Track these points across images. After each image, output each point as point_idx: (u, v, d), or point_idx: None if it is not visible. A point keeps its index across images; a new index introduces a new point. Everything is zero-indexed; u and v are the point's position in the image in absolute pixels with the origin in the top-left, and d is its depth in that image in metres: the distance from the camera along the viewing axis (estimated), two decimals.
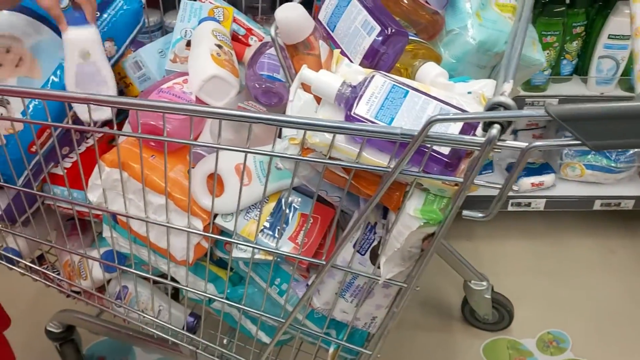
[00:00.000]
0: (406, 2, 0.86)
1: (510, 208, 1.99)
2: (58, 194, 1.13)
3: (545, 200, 1.98)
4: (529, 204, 1.98)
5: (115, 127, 0.90)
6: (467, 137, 0.63)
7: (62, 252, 1.32)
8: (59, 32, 1.17)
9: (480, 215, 0.68)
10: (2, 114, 1.08)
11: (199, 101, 1.04)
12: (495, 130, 0.61)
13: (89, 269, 1.23)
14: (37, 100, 1.12)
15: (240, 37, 1.32)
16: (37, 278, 1.32)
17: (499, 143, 0.62)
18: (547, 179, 1.97)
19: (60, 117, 1.10)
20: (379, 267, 0.83)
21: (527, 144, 0.61)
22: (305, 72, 0.75)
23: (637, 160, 1.95)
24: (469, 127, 0.68)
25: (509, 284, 1.76)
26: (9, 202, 1.18)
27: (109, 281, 1.25)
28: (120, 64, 1.25)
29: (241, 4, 1.45)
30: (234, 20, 1.32)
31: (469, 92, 0.77)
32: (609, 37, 1.69)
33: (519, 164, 0.62)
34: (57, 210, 1.21)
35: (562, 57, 1.76)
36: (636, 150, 1.94)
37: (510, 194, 1.97)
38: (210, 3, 1.30)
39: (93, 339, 1.72)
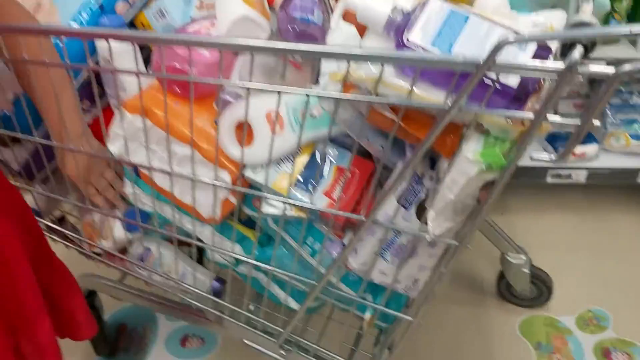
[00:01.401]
0: None
1: (549, 180, 1.88)
2: None
3: (587, 172, 1.86)
4: (569, 176, 1.87)
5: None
6: (542, 64, 0.54)
7: (84, 211, 1.26)
8: None
9: (554, 157, 0.59)
10: None
11: None
12: (577, 52, 0.52)
13: (111, 228, 1.17)
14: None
15: None
16: (57, 239, 1.27)
17: (582, 68, 0.53)
18: (590, 149, 1.85)
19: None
20: (426, 223, 0.75)
21: (614, 69, 0.52)
22: None
23: None
24: (542, 53, 0.59)
25: (545, 259, 1.66)
26: (27, 157, 1.13)
27: (130, 242, 1.19)
28: (142, 13, 1.17)
29: None
30: None
31: (535, 25, 0.68)
32: None
33: (605, 94, 0.53)
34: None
35: (610, 17, 1.64)
36: None
37: (550, 165, 1.87)
38: None
39: (115, 306, 1.68)
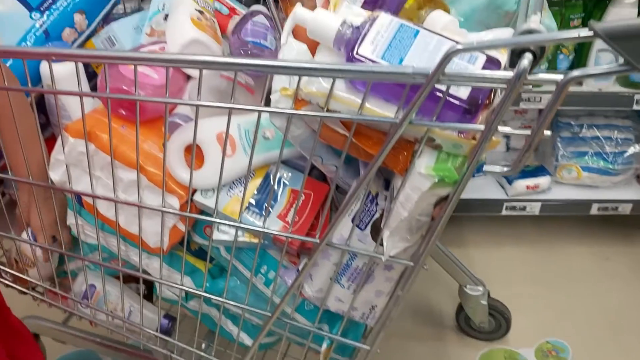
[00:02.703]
0: None
1: (504, 212, 1.91)
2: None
3: (540, 204, 1.90)
4: (524, 208, 1.90)
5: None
6: (491, 72, 0.54)
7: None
8: (24, 3, 1.08)
9: (505, 168, 0.59)
10: None
11: (176, 72, 0.94)
12: (526, 60, 0.51)
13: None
14: None
15: (223, 15, 1.23)
16: None
17: (531, 77, 0.53)
18: (543, 181, 1.89)
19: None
20: (381, 244, 0.73)
21: (562, 76, 0.52)
22: (300, 12, 0.65)
23: (635, 163, 1.89)
24: (491, 66, 0.59)
25: (503, 291, 1.66)
26: None
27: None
28: (91, 40, 1.15)
29: None
30: None
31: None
32: None
33: (555, 101, 0.53)
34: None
35: (558, 51, 1.70)
36: (633, 152, 1.88)
37: (505, 197, 1.90)
38: None
39: (59, 350, 1.57)
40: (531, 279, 1.88)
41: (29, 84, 0.87)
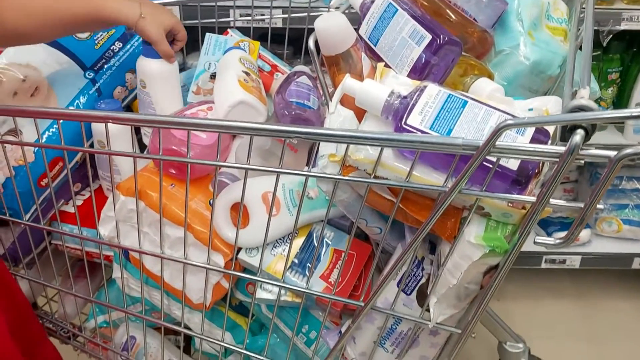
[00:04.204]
0: (454, 17, 0.80)
1: (543, 265, 1.87)
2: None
3: (580, 257, 1.85)
4: (563, 261, 1.86)
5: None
6: (543, 147, 0.55)
7: (66, 297, 1.21)
8: (79, 62, 1.13)
9: (558, 241, 0.58)
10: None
11: None
12: (578, 136, 0.52)
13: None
14: (51, 130, 1.06)
15: (265, 73, 1.27)
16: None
17: (583, 152, 0.53)
18: (583, 234, 1.83)
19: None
20: (427, 310, 0.72)
21: (616, 152, 0.52)
22: (349, 82, 0.67)
23: None
24: (541, 137, 0.59)
25: (543, 348, 1.61)
26: (14, 240, 1.10)
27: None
28: None
29: (266, 48, 1.41)
30: (259, 56, 1.27)
31: (530, 109, 0.69)
32: None
33: (607, 177, 0.53)
34: (66, 251, 1.12)
35: (597, 105, 1.69)
36: None
37: (544, 250, 1.86)
38: (235, 37, 1.26)
39: None
40: (572, 334, 1.82)
41: (85, 144, 0.91)
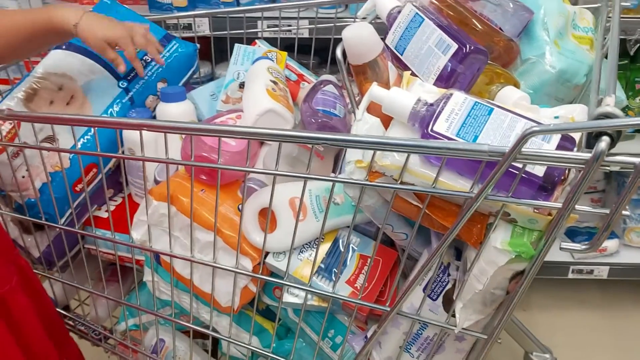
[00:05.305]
0: (480, 26, 0.81)
1: (570, 275, 1.85)
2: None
3: (608, 267, 1.83)
4: (591, 271, 1.84)
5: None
6: (569, 154, 0.55)
7: (98, 300, 1.25)
8: (112, 72, 1.17)
9: (584, 247, 0.59)
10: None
11: None
12: (604, 142, 0.53)
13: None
14: (86, 137, 1.09)
15: (292, 82, 1.30)
16: (70, 328, 1.25)
17: (608, 158, 0.53)
18: (611, 244, 1.83)
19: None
20: (453, 315, 0.73)
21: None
22: (376, 90, 0.69)
23: None
24: (567, 144, 0.60)
25: (568, 358, 1.59)
26: (49, 244, 1.13)
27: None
28: None
29: (292, 58, 1.44)
30: (286, 66, 1.30)
31: (556, 117, 0.70)
32: None
33: (633, 183, 0.53)
34: (99, 255, 1.15)
35: (624, 114, 1.68)
36: None
37: (571, 260, 1.85)
38: (263, 47, 1.29)
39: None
40: (600, 345, 1.79)
41: (119, 150, 0.94)
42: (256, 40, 1.33)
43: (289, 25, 1.53)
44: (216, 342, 1.17)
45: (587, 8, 1.01)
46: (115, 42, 1.03)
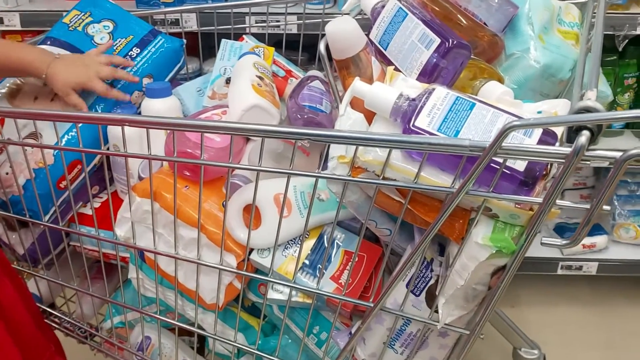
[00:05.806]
0: (464, 21, 0.81)
1: (559, 271, 1.85)
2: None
3: (597, 263, 1.84)
4: (580, 268, 1.84)
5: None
6: (549, 148, 0.55)
7: (84, 298, 1.24)
8: None
9: (563, 242, 0.59)
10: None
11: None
12: (584, 137, 0.52)
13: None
14: (70, 134, 1.08)
15: (280, 78, 1.29)
16: (56, 326, 1.24)
17: (589, 153, 0.53)
18: (600, 240, 1.83)
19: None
20: (436, 311, 0.73)
21: (622, 153, 0.52)
22: (358, 85, 0.68)
23: None
24: (548, 139, 0.60)
25: (558, 355, 1.59)
26: (34, 241, 1.12)
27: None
28: None
29: (281, 54, 1.43)
30: (274, 62, 1.29)
31: (539, 112, 0.70)
32: None
33: (613, 178, 0.53)
34: (83, 253, 1.14)
35: (613, 110, 1.69)
36: None
37: (560, 256, 1.85)
38: (250, 43, 1.28)
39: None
40: (588, 341, 1.80)
41: (102, 146, 0.93)
42: (244, 36, 1.33)
43: (277, 21, 1.52)
44: (203, 339, 1.16)
45: (574, 3, 1.01)
46: (81, 87, 1.06)
